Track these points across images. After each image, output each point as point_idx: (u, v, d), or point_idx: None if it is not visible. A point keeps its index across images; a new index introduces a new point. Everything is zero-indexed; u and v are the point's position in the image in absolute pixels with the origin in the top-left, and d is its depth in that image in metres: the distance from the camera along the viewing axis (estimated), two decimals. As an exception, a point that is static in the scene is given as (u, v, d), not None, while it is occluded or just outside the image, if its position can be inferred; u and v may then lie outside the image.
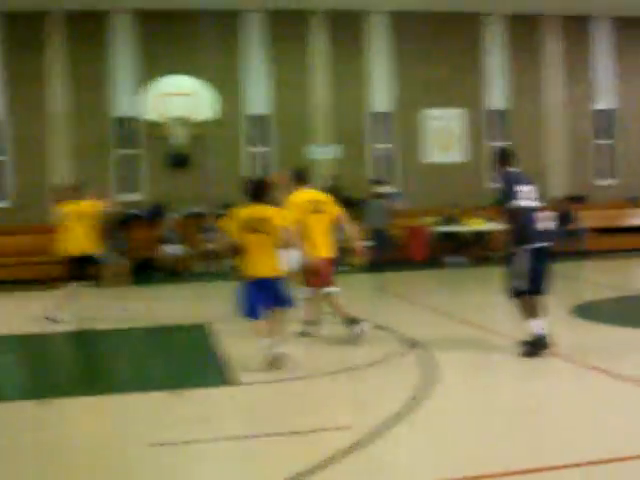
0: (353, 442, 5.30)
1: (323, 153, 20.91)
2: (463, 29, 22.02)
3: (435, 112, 21.95)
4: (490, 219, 19.57)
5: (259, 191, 8.06)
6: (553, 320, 10.59)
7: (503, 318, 11.55)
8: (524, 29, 22.42)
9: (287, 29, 21.16)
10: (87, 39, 20.27)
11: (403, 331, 9.53)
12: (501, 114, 22.69)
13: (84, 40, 20.23)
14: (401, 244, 19.72)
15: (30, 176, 19.86)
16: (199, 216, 19.59)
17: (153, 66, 19.92)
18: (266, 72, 21.20)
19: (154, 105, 18.36)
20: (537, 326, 8.10)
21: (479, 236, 20.13)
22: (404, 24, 21.64)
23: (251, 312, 7.89)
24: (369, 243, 18.63)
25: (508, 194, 8.00)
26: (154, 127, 19.08)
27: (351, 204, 19.48)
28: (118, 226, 17.83)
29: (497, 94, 22.50)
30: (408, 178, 21.74)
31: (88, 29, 20.29)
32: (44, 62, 20.14)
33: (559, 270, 17.65)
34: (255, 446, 5.45)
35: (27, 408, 6.78)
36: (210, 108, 18.63)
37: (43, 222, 18.94)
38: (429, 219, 20.13)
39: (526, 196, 8.04)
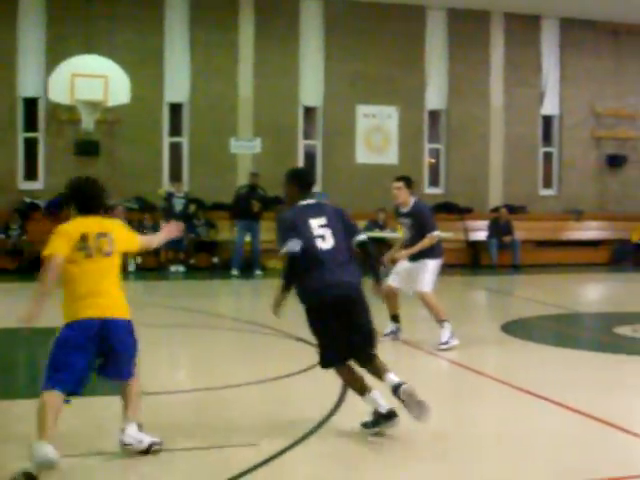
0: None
1: (245, 147, 19.48)
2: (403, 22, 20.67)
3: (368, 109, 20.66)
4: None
5: None
6: (484, 336, 9.77)
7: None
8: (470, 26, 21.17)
9: (213, 13, 19.62)
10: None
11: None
12: (439, 114, 21.53)
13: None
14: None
15: None
16: (108, 209, 17.96)
17: (66, 46, 18.15)
18: (189, 58, 19.66)
19: (63, 86, 16.83)
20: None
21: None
22: (339, 13, 20.31)
23: None
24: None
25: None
26: (62, 110, 17.72)
27: (272, 203, 18.26)
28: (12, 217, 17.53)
29: (436, 93, 21.24)
30: (336, 178, 20.32)
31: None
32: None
33: (493, 284, 16.74)
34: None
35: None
36: (125, 93, 17.12)
37: None
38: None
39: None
